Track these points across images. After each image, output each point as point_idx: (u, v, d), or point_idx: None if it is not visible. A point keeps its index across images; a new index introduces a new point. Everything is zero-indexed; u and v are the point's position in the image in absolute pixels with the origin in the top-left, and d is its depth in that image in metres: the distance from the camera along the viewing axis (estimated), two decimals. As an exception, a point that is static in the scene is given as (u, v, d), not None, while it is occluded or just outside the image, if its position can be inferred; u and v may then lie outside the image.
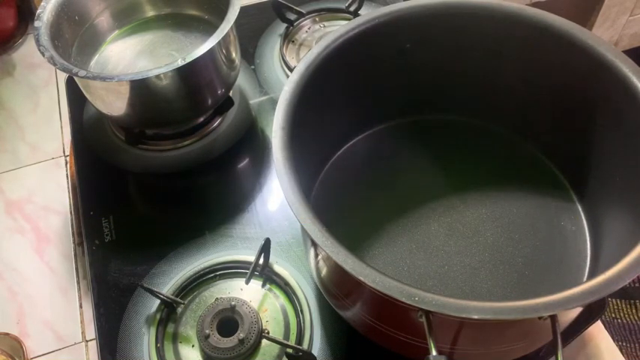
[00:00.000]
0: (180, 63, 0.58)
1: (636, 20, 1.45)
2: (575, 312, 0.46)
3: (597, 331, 0.59)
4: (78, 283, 0.68)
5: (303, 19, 0.81)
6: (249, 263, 0.56)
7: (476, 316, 0.37)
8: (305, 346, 0.53)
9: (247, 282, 0.55)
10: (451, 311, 0.37)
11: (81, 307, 0.66)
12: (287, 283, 0.57)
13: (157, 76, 0.59)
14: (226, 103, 0.71)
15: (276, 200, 0.65)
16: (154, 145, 0.70)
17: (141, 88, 0.60)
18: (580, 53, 0.51)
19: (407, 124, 0.65)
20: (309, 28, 0.81)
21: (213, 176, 0.68)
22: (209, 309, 0.54)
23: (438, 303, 0.37)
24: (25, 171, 0.79)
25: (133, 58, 0.70)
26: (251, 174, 0.69)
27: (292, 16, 0.81)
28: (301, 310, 0.55)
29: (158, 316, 0.56)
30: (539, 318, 0.38)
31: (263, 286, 0.57)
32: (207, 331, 0.52)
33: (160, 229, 0.64)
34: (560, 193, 0.60)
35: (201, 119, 0.70)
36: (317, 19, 0.82)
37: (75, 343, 0.64)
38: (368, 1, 0.82)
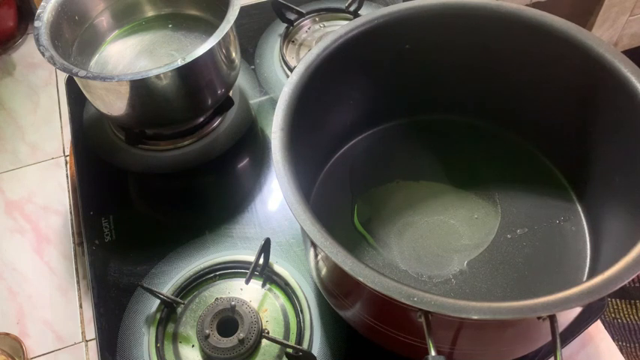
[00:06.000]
0: (180, 63, 0.58)
1: (636, 20, 1.45)
2: (574, 312, 0.46)
3: (597, 331, 0.59)
4: (78, 283, 0.68)
5: (303, 19, 0.81)
6: (249, 263, 0.56)
7: (475, 317, 0.37)
8: (305, 346, 0.53)
9: (247, 282, 0.55)
10: (450, 311, 0.37)
11: (81, 307, 0.66)
12: (287, 283, 0.57)
13: (157, 76, 0.59)
14: (226, 103, 0.71)
15: (276, 200, 0.65)
16: (153, 145, 0.70)
17: (141, 88, 0.60)
18: (579, 54, 0.51)
19: (407, 124, 0.65)
20: (309, 28, 0.81)
21: (213, 176, 0.68)
22: (209, 309, 0.54)
23: (436, 303, 0.37)
24: (25, 171, 0.79)
25: (133, 58, 0.70)
26: (251, 174, 0.69)
27: (292, 16, 0.81)
28: (301, 310, 0.55)
29: (158, 316, 0.56)
30: (538, 318, 0.38)
31: (263, 286, 0.58)
32: (207, 331, 0.53)
33: (159, 229, 0.64)
34: (560, 193, 0.60)
35: (201, 119, 0.70)
36: (317, 19, 0.82)
37: (75, 343, 0.64)
38: (368, 1, 0.82)
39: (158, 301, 0.57)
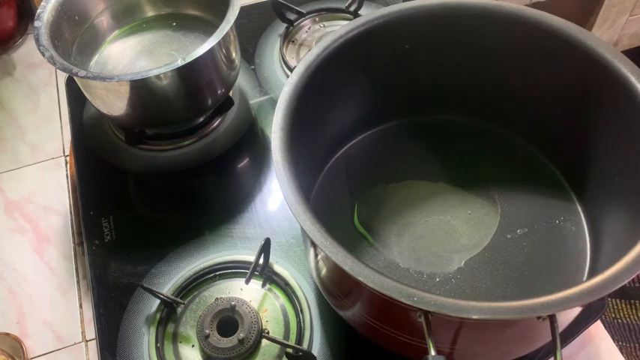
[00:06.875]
0: (180, 63, 0.58)
1: (636, 20, 1.45)
2: (574, 312, 0.46)
3: (597, 331, 0.59)
4: (78, 283, 0.68)
5: (303, 19, 0.81)
6: (249, 263, 0.56)
7: (474, 316, 0.37)
8: (305, 346, 0.53)
9: (247, 282, 0.55)
10: (450, 311, 0.37)
11: (81, 307, 0.67)
12: (287, 283, 0.57)
13: (157, 76, 0.59)
14: (226, 103, 0.71)
15: (276, 200, 0.65)
16: (153, 145, 0.70)
17: (141, 88, 0.60)
18: (579, 54, 0.51)
19: (407, 124, 0.65)
20: (309, 28, 0.81)
21: (213, 176, 0.68)
22: (209, 309, 0.54)
23: (436, 303, 0.37)
24: (25, 171, 0.79)
25: (133, 58, 0.70)
26: (251, 174, 0.69)
27: (292, 16, 0.81)
28: (301, 310, 0.55)
29: (158, 316, 0.56)
30: (538, 318, 0.38)
31: (263, 286, 0.58)
32: (207, 331, 0.53)
33: (160, 229, 0.64)
34: (560, 193, 0.60)
35: (201, 119, 0.70)
36: (317, 19, 0.82)
37: (75, 343, 0.64)
38: (368, 1, 0.82)
39: (158, 301, 0.57)
